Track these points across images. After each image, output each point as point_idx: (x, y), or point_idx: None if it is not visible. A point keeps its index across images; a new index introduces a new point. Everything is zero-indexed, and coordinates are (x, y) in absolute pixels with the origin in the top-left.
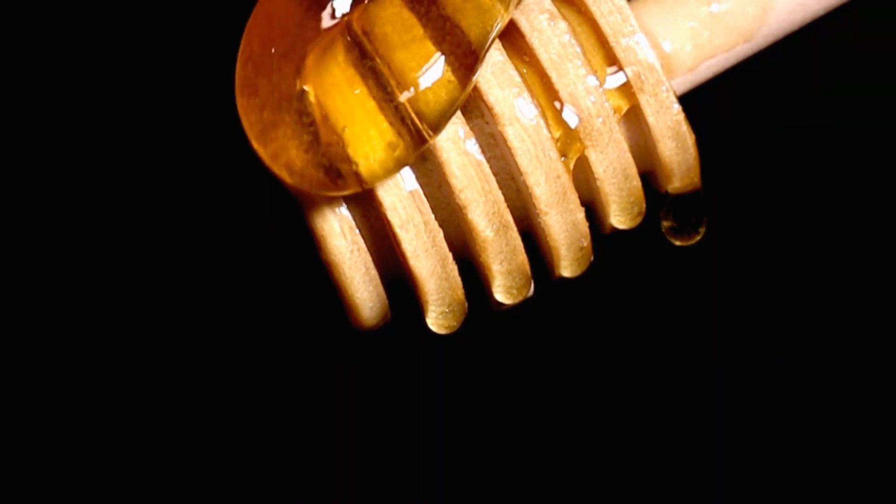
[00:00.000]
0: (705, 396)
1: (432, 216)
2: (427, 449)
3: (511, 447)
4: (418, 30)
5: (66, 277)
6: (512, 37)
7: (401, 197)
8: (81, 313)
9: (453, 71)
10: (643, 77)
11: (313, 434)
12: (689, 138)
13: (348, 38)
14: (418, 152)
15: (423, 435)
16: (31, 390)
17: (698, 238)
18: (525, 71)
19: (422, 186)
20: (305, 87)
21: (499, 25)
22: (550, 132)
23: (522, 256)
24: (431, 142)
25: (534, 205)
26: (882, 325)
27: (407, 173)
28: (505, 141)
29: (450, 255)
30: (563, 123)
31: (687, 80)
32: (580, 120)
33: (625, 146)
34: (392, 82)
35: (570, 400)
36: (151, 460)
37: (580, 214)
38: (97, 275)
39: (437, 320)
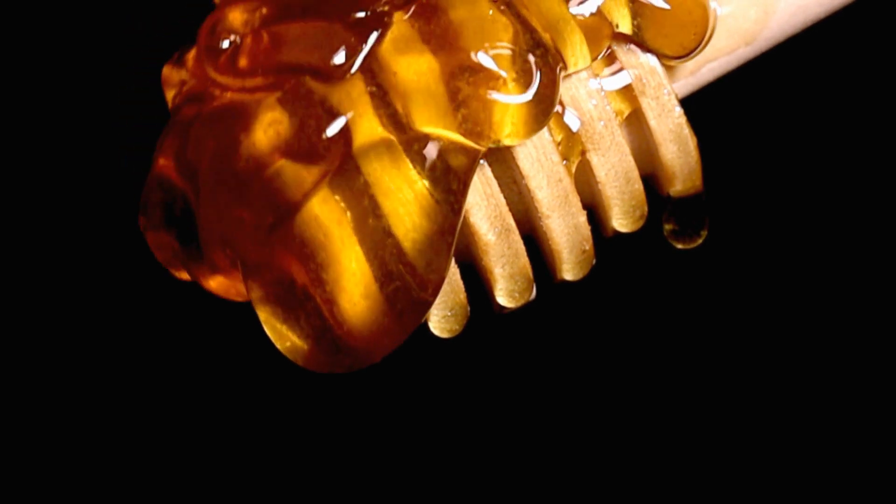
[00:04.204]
0: (706, 397)
1: None
2: (429, 452)
3: (513, 450)
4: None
5: (67, 277)
6: None
7: None
8: (81, 313)
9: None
10: (645, 80)
11: (315, 437)
12: (690, 141)
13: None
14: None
15: (424, 438)
16: (31, 390)
17: (700, 241)
18: None
19: None
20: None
21: None
22: (552, 135)
23: (524, 260)
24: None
25: (535, 208)
26: (882, 326)
27: None
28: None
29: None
30: (564, 127)
31: (688, 82)
32: (582, 123)
33: (626, 149)
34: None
35: (572, 403)
36: (150, 461)
37: (582, 218)
38: (96, 275)
39: (439, 324)
